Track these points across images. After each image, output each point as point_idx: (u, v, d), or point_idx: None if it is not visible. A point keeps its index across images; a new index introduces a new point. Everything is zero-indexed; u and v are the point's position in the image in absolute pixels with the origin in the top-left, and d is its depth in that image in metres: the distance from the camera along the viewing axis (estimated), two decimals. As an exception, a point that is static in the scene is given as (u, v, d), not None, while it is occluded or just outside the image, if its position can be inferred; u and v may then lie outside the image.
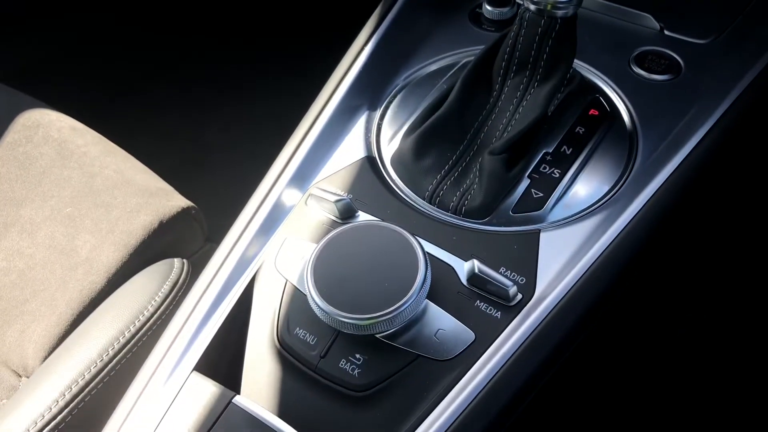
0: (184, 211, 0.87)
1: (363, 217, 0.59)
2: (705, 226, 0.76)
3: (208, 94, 1.74)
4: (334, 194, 0.59)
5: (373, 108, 0.69)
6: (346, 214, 0.59)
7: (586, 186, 0.60)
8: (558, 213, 0.58)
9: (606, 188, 0.59)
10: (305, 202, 0.61)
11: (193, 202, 0.92)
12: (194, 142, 1.64)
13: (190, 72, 1.79)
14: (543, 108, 0.60)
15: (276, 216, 0.62)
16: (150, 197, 0.87)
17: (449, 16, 0.77)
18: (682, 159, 0.59)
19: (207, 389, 0.53)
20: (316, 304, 0.50)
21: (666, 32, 0.70)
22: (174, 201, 0.87)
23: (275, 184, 0.63)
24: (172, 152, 1.49)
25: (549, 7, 0.58)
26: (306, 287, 0.51)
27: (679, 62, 0.68)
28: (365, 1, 0.80)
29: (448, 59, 0.73)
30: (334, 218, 0.59)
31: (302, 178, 0.64)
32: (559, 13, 0.58)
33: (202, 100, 1.74)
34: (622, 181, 0.59)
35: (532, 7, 0.59)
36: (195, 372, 0.54)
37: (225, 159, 1.60)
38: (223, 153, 1.61)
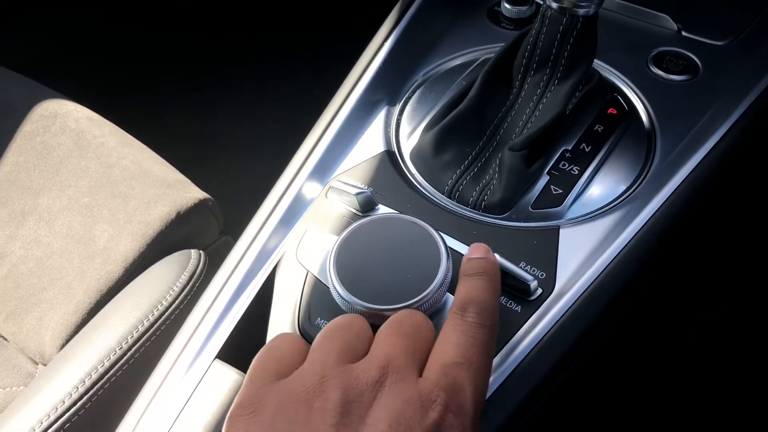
0: (201, 203, 0.88)
1: (383, 210, 0.60)
2: (722, 227, 0.76)
3: (218, 90, 1.75)
4: (355, 187, 0.60)
5: (392, 103, 0.70)
6: (367, 206, 0.59)
7: (604, 184, 0.60)
8: (577, 210, 0.59)
9: (624, 186, 0.60)
10: (326, 195, 0.62)
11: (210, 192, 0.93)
12: (204, 139, 1.65)
13: (199, 69, 1.80)
14: (563, 106, 0.61)
15: (296, 208, 0.63)
16: (167, 188, 0.88)
17: (467, 14, 0.77)
18: (700, 159, 0.59)
19: (230, 377, 0.54)
20: (339, 294, 0.51)
21: (683, 33, 0.71)
22: (191, 192, 0.88)
23: (296, 177, 0.64)
24: (182, 148, 1.50)
25: (571, 5, 0.58)
26: (328, 278, 0.52)
27: (697, 63, 0.68)
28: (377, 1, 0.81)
29: (467, 56, 0.74)
30: (354, 211, 0.60)
31: (322, 171, 0.65)
32: (581, 11, 0.59)
33: (211, 96, 1.75)
34: (640, 180, 0.60)
35: (554, 5, 0.59)
36: (217, 360, 0.55)
37: (235, 154, 1.61)
38: (233, 149, 1.62)
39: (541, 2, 0.61)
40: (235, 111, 1.69)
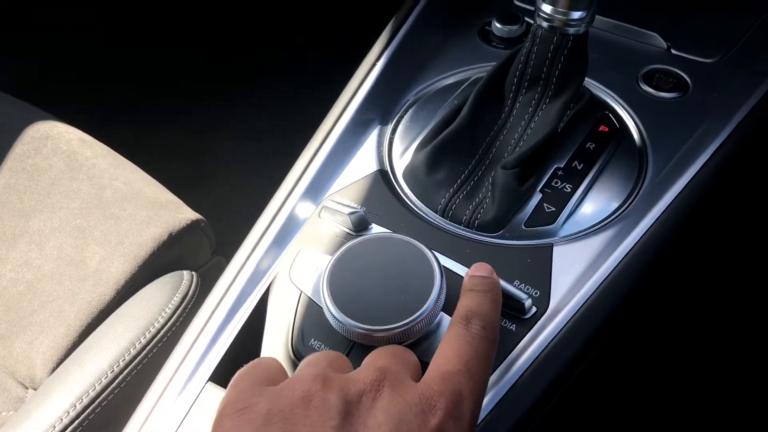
0: (194, 224, 0.87)
1: (376, 229, 0.60)
2: (715, 241, 0.76)
3: (213, 108, 1.75)
4: (348, 206, 0.60)
5: (384, 122, 0.70)
6: (360, 226, 0.59)
7: (597, 201, 0.60)
8: (570, 227, 0.59)
9: (616, 204, 0.60)
10: (319, 215, 0.62)
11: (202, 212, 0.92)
12: (198, 157, 1.64)
13: (195, 88, 1.80)
14: (555, 123, 0.61)
15: (289, 228, 0.62)
16: (159, 209, 0.87)
17: (459, 34, 0.78)
18: (691, 176, 0.59)
19: (223, 399, 0.53)
20: (332, 315, 0.50)
21: (673, 51, 0.72)
22: (183, 213, 0.88)
23: (289, 196, 0.64)
24: (177, 167, 1.50)
25: (561, 24, 0.59)
26: (321, 298, 0.51)
27: (686, 80, 0.69)
28: (372, 19, 0.81)
29: (458, 76, 0.74)
30: (347, 230, 0.60)
31: (315, 191, 0.65)
32: (571, 30, 0.59)
33: (207, 115, 1.75)
34: (632, 197, 0.60)
35: (545, 24, 0.60)
36: (210, 382, 0.54)
37: (230, 173, 1.61)
38: (227, 167, 1.62)
39: (532, 21, 0.62)
40: (231, 129, 1.70)
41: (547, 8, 0.59)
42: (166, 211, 0.87)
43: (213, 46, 1.87)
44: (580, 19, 0.59)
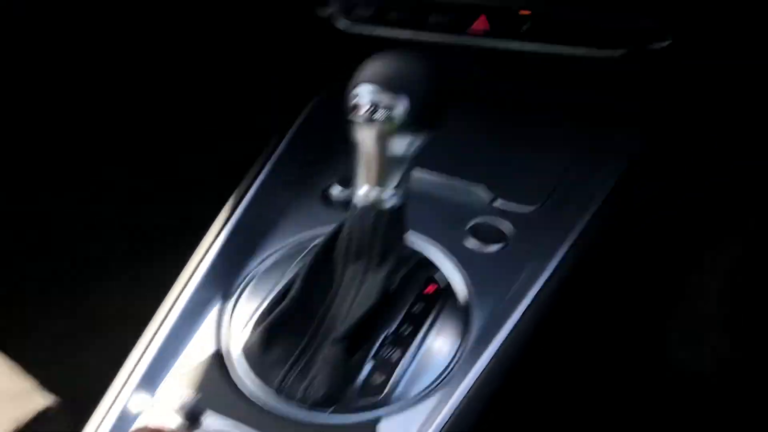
0: (42, 414, 0.84)
1: (210, 419, 0.59)
2: (549, 379, 0.78)
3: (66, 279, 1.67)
4: (180, 399, 0.59)
5: (225, 299, 0.71)
6: (193, 418, 0.59)
7: (424, 365, 0.62)
8: (399, 395, 0.60)
9: (444, 364, 0.62)
10: (152, 406, 0.61)
11: (58, 394, 0.88)
12: (66, 336, 1.56)
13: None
14: (380, 294, 0.63)
15: (123, 424, 0.61)
16: (8, 402, 0.84)
17: (303, 197, 0.81)
18: (514, 324, 0.63)
19: None
20: None
21: (497, 203, 0.76)
22: (33, 404, 0.84)
23: (123, 389, 0.63)
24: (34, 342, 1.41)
25: (376, 202, 0.62)
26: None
27: (509, 232, 0.73)
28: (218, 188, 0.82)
29: (300, 241, 0.76)
30: (180, 423, 0.59)
31: (151, 379, 0.64)
32: (387, 205, 0.63)
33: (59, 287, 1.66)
34: (455, 359, 0.62)
35: (361, 202, 0.63)
36: None
37: (97, 350, 1.53)
38: (95, 345, 1.54)
39: None
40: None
41: (361, 189, 0.62)
42: (15, 403, 0.83)
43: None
44: (392, 196, 0.62)
